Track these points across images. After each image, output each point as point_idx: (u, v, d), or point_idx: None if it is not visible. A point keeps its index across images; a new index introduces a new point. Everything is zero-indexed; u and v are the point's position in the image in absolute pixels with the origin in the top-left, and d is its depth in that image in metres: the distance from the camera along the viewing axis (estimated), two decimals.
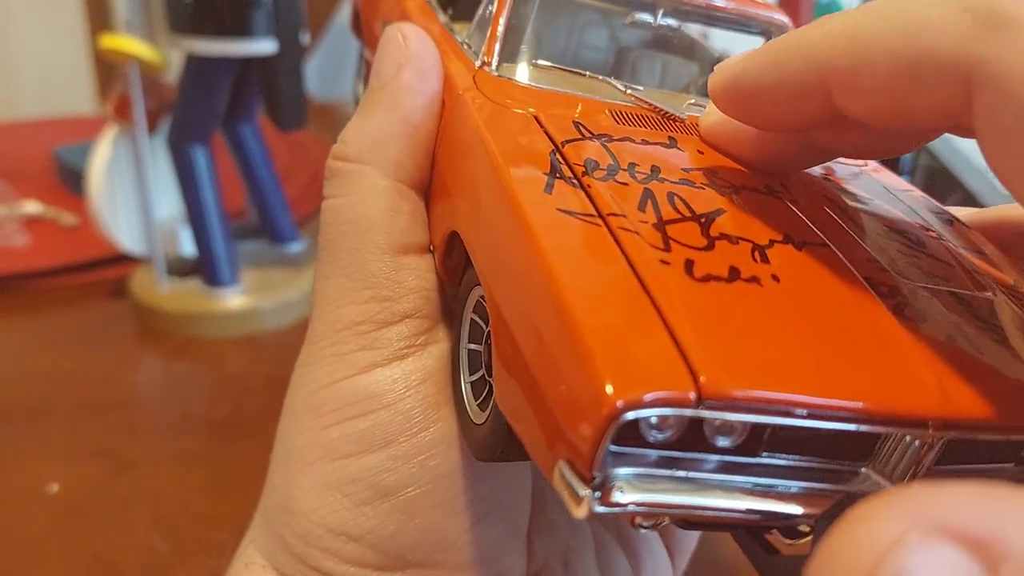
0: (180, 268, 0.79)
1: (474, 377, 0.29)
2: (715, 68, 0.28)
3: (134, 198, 0.77)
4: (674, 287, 0.21)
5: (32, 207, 0.95)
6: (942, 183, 0.73)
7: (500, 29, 0.33)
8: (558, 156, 0.27)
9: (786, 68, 0.25)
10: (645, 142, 0.29)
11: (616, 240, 0.22)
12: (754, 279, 0.23)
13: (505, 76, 0.32)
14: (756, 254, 0.24)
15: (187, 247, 0.80)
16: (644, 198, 0.25)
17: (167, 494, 0.59)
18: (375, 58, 0.33)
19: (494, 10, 0.33)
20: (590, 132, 0.29)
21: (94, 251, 0.85)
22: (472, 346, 0.30)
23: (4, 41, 1.64)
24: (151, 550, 0.54)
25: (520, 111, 0.30)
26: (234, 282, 0.78)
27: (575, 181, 0.25)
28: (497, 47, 0.33)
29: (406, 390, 0.29)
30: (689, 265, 0.22)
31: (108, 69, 0.93)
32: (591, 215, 0.23)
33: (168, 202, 0.80)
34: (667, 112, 0.32)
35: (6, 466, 0.61)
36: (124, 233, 0.78)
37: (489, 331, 0.27)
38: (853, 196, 0.31)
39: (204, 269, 0.77)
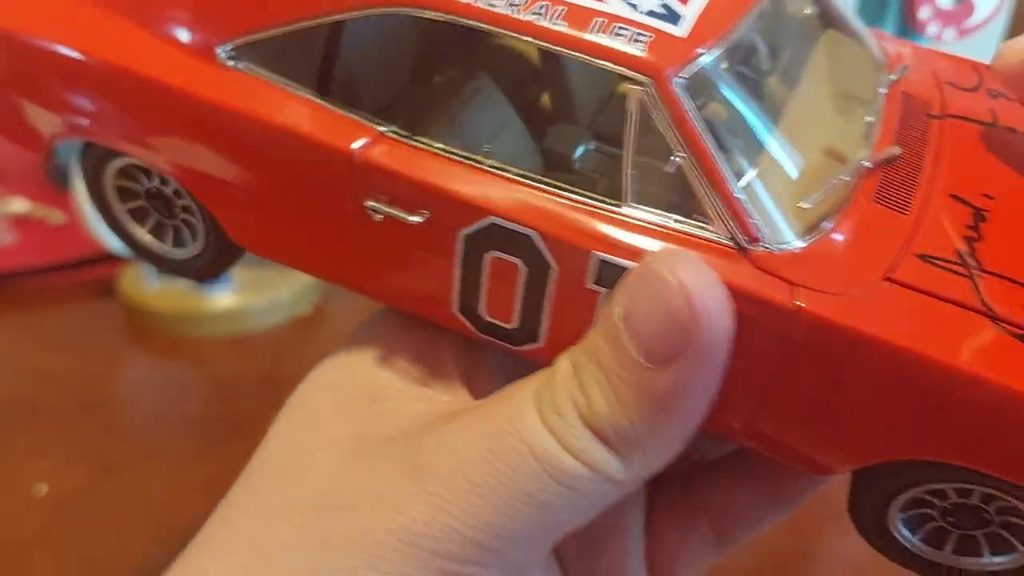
0: None
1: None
2: (1003, 50, 0.30)
3: None
4: None
5: (19, 205, 0.94)
6: None
7: (727, 180, 0.28)
8: (1006, 327, 0.26)
9: None
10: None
11: None
12: None
13: (785, 246, 0.28)
14: None
15: None
16: None
17: (157, 496, 0.58)
18: (626, 296, 0.27)
19: (696, 160, 0.28)
20: (944, 259, 0.28)
21: (82, 250, 0.84)
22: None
23: None
24: (142, 553, 0.53)
25: (870, 286, 0.27)
26: (224, 281, 0.77)
27: None
28: (750, 211, 0.28)
29: None
30: None
31: None
32: None
33: None
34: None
35: None
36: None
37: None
38: None
39: None
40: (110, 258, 0.82)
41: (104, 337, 0.76)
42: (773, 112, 0.32)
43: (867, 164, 0.30)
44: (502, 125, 0.35)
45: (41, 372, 0.71)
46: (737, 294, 0.26)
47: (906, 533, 0.30)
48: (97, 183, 0.38)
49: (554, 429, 0.27)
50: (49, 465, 0.61)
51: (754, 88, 0.34)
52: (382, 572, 0.27)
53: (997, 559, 0.30)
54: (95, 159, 0.37)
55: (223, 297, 0.77)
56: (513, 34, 0.29)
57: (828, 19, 0.36)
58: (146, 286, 0.78)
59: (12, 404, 0.67)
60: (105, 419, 0.66)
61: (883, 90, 0.34)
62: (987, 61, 0.36)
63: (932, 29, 0.78)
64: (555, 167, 0.31)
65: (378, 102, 0.33)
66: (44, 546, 0.54)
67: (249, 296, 0.78)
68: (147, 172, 0.36)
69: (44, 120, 0.36)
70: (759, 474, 0.39)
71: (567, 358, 0.29)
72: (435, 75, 0.37)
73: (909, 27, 0.78)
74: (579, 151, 0.35)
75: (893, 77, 0.35)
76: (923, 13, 0.77)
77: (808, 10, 0.37)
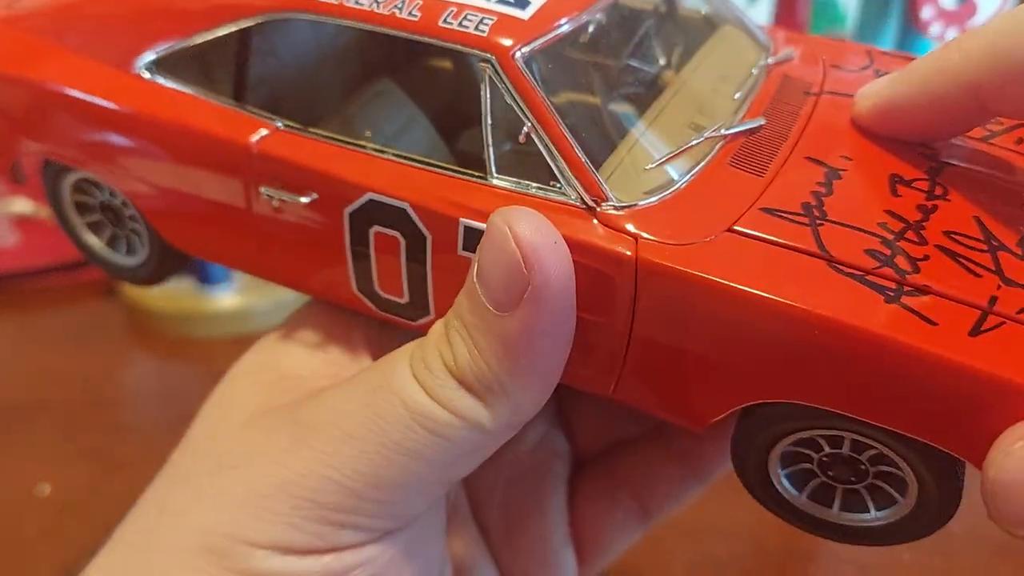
0: None
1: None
2: (858, 97, 0.33)
3: None
4: None
5: (21, 205, 0.94)
6: None
7: (573, 145, 0.30)
8: (842, 268, 0.27)
9: (937, 91, 0.29)
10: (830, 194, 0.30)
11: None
12: None
13: (632, 204, 0.29)
14: None
15: None
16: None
17: None
18: (478, 253, 0.28)
19: (542, 129, 0.30)
20: (789, 212, 0.29)
21: None
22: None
23: None
24: None
25: (710, 237, 0.28)
26: (226, 280, 0.77)
27: (913, 290, 0.27)
28: (594, 173, 0.29)
29: None
30: None
31: None
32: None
33: None
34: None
35: None
36: None
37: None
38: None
39: (196, 267, 0.76)
40: None
41: (106, 337, 0.76)
42: (644, 92, 0.35)
43: (724, 132, 0.32)
44: (407, 127, 0.38)
45: (43, 372, 0.71)
46: (585, 249, 0.28)
47: (792, 491, 0.31)
48: (56, 198, 0.40)
49: (423, 381, 0.29)
50: (51, 465, 0.61)
51: (629, 73, 0.37)
52: (270, 523, 0.29)
53: (881, 513, 0.30)
54: (53, 175, 0.39)
55: (225, 297, 0.77)
56: (372, 27, 0.32)
57: (721, 16, 0.40)
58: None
59: (14, 404, 0.67)
60: (107, 419, 0.66)
61: (756, 71, 0.36)
62: None
63: (935, 29, 0.78)
64: (468, 166, 0.33)
65: (309, 114, 0.35)
66: (47, 546, 0.54)
67: (251, 296, 0.78)
68: (98, 185, 0.38)
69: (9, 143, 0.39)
70: (677, 449, 0.41)
71: (441, 320, 0.31)
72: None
73: (912, 27, 0.78)
74: None
75: (770, 61, 0.37)
76: (926, 13, 0.77)
77: (704, 10, 0.41)
